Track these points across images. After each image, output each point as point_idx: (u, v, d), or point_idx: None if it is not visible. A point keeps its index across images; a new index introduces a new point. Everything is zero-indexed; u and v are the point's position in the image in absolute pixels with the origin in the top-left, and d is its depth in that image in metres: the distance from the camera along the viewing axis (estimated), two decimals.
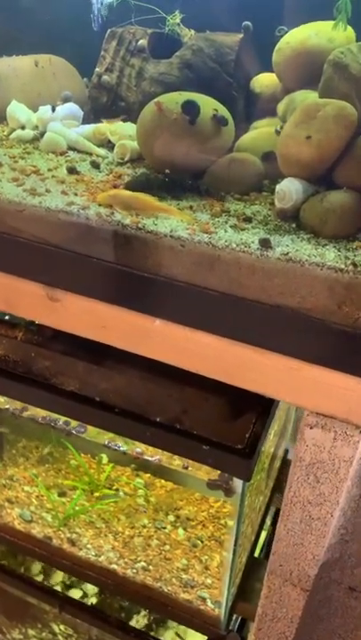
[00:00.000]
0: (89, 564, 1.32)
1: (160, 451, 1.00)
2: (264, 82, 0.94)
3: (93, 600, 1.73)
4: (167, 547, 1.22)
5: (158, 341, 0.81)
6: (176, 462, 1.05)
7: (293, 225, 0.75)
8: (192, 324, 0.77)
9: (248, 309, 0.73)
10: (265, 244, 0.70)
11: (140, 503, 1.18)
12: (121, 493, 1.18)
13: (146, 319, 0.79)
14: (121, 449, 1.06)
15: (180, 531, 1.18)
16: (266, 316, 0.73)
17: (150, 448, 1.04)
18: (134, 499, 1.18)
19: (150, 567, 1.26)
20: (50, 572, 1.76)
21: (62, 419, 1.08)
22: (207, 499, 1.10)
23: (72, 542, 1.32)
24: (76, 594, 1.76)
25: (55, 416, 1.08)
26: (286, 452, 1.60)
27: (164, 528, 1.19)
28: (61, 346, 0.99)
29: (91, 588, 1.73)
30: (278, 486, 1.55)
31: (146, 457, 1.05)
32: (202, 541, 1.17)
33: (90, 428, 1.07)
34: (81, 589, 1.76)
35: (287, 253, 0.69)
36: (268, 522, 1.62)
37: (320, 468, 0.82)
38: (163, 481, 1.12)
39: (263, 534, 1.54)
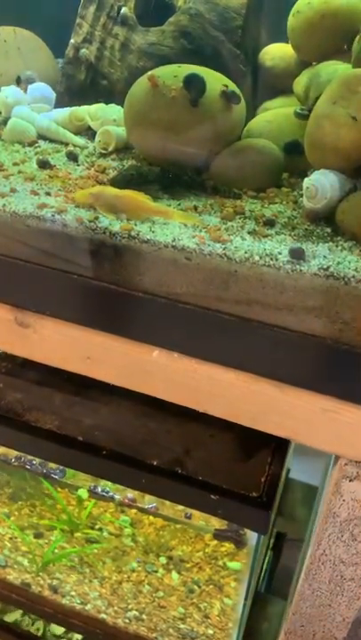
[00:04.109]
0: (74, 612, 1.19)
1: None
2: (276, 53, 0.82)
3: (78, 638, 1.59)
4: (160, 593, 1.10)
5: (158, 376, 0.69)
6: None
7: (328, 229, 0.60)
8: (201, 354, 0.66)
9: (273, 338, 0.60)
10: (297, 255, 0.55)
11: (128, 544, 1.05)
12: (105, 534, 1.04)
13: (142, 348, 0.67)
14: (109, 494, 0.91)
15: (174, 574, 1.07)
16: (296, 346, 0.60)
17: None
18: (120, 539, 1.06)
19: (143, 616, 1.13)
20: None
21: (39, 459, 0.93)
22: (202, 536, 0.98)
23: (54, 589, 1.18)
24: (58, 630, 1.62)
25: (31, 456, 0.94)
26: (288, 471, 1.48)
27: (156, 571, 1.08)
28: (36, 374, 0.88)
29: None
30: (280, 510, 1.43)
31: (140, 504, 0.90)
32: (199, 586, 1.06)
33: None
34: None
35: (327, 267, 0.54)
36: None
37: (358, 525, 0.69)
38: (151, 517, 1.00)
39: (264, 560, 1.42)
